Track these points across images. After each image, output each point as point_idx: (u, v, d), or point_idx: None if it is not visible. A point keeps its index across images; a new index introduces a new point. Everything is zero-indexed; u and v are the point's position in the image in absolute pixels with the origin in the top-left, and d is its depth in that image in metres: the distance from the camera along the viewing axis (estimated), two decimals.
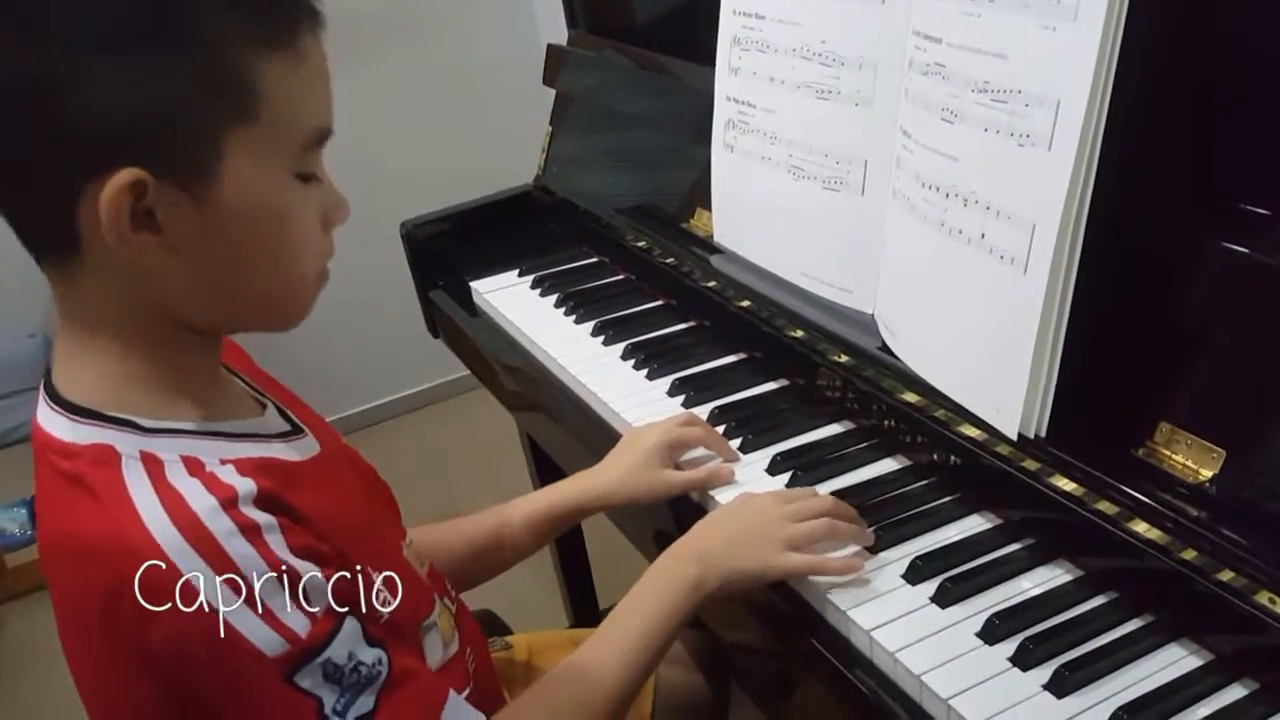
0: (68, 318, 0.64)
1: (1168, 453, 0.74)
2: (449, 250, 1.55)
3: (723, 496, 0.97)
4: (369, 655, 0.62)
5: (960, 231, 0.83)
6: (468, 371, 1.59)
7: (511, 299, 1.43)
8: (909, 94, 0.89)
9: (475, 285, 1.47)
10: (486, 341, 1.41)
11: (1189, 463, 0.73)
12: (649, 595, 0.82)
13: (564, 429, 1.26)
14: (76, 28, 0.56)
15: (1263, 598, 0.67)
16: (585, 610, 1.82)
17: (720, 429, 1.05)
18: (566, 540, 1.74)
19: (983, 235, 0.81)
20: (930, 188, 0.86)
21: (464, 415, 2.67)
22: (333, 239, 0.69)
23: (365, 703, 0.62)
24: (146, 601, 0.57)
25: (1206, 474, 0.72)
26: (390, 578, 0.70)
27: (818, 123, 1.02)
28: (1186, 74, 0.76)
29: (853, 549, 0.85)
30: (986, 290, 0.81)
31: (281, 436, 0.71)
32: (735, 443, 1.03)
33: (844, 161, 1.00)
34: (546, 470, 1.67)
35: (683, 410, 1.09)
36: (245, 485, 0.60)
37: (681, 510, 1.00)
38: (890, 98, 0.93)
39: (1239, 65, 0.76)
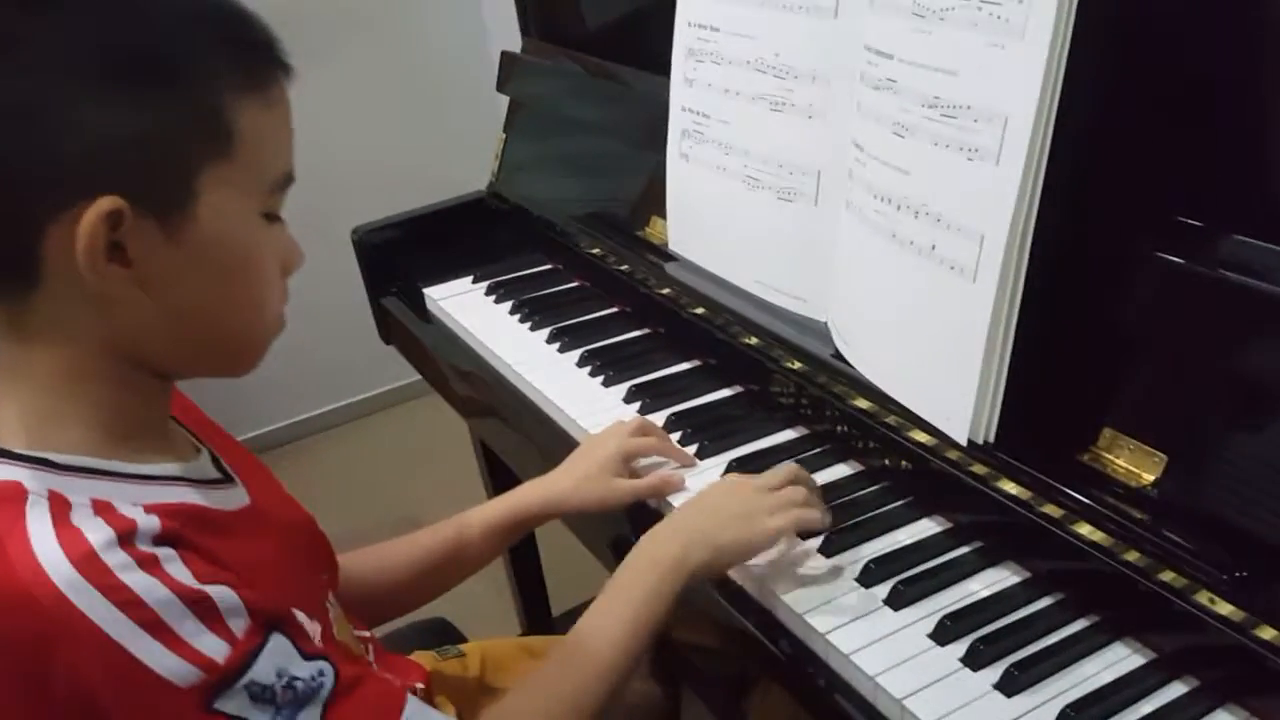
0: (3, 357, 0.62)
1: (1111, 457, 0.77)
2: (402, 256, 1.54)
3: (679, 501, 0.97)
4: (305, 669, 0.60)
5: (911, 242, 0.85)
6: (419, 376, 1.58)
7: (466, 306, 1.42)
8: (861, 107, 0.90)
9: (429, 292, 1.47)
10: (440, 348, 1.40)
11: (1131, 467, 0.76)
12: (633, 579, 0.83)
13: (518, 435, 1.27)
14: (61, 59, 0.56)
15: (1203, 598, 0.69)
16: (538, 616, 1.82)
17: (676, 435, 1.06)
18: (519, 545, 1.73)
19: (933, 246, 0.82)
20: (882, 199, 0.88)
21: (416, 421, 2.65)
22: (287, 286, 0.69)
23: (309, 716, 0.60)
24: (43, 644, 0.55)
25: (1148, 478, 0.74)
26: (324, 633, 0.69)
27: (772, 134, 1.03)
28: (1129, 90, 0.78)
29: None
30: (937, 299, 0.83)
31: (210, 484, 0.69)
32: (691, 449, 1.04)
33: (798, 172, 1.02)
34: (500, 476, 1.67)
35: (637, 416, 1.10)
36: (148, 522, 0.58)
37: (637, 516, 1.00)
38: (843, 111, 0.95)
39: (1180, 82, 0.78)
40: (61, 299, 0.60)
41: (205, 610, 0.57)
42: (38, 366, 0.62)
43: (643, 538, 0.86)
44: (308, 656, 0.61)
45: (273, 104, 0.63)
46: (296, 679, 0.60)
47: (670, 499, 0.98)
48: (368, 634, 0.90)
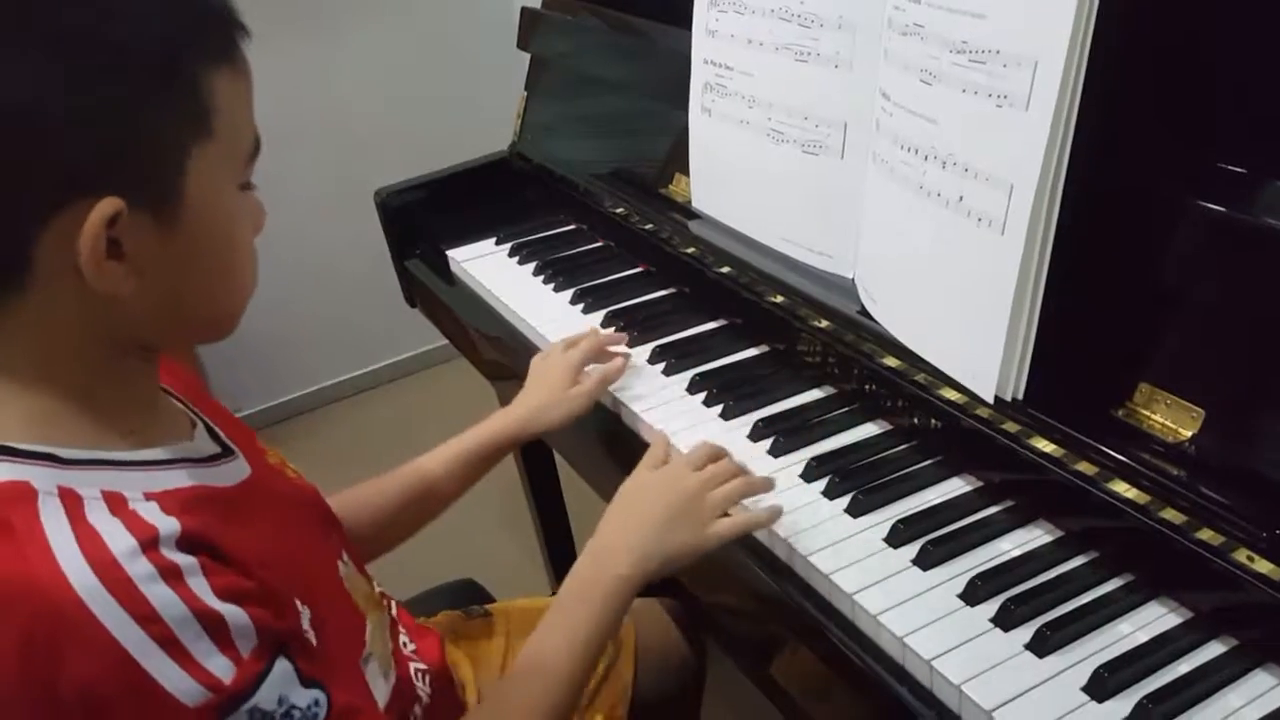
0: None
1: (1147, 413, 0.75)
2: (425, 218, 1.53)
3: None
4: (304, 698, 0.61)
5: (939, 194, 0.82)
6: (445, 341, 1.58)
7: (489, 267, 1.41)
8: (888, 55, 0.88)
9: (452, 254, 1.46)
10: (464, 311, 1.40)
11: (1168, 422, 0.73)
12: (579, 599, 0.82)
13: None
14: (43, 60, 0.55)
15: (1241, 555, 0.67)
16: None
17: (700, 396, 1.06)
18: (547, 507, 1.74)
19: (961, 197, 0.80)
20: (909, 150, 0.85)
21: (442, 385, 2.65)
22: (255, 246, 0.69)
23: None
24: (58, 649, 0.54)
25: (1186, 433, 0.72)
26: (317, 616, 0.68)
27: (796, 85, 1.01)
28: (1164, 33, 0.75)
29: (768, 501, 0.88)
30: (964, 252, 0.81)
31: (211, 460, 0.69)
32: (716, 409, 1.03)
33: (823, 124, 0.99)
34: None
35: (565, 335, 1.13)
36: (168, 525, 0.58)
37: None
38: (869, 59, 0.92)
39: (1216, 25, 0.75)
40: (48, 297, 0.59)
41: (219, 629, 0.57)
42: (28, 363, 0.61)
43: (583, 554, 0.85)
44: (306, 682, 0.61)
45: (239, 71, 0.62)
46: (295, 707, 0.60)
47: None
48: (386, 595, 0.89)
